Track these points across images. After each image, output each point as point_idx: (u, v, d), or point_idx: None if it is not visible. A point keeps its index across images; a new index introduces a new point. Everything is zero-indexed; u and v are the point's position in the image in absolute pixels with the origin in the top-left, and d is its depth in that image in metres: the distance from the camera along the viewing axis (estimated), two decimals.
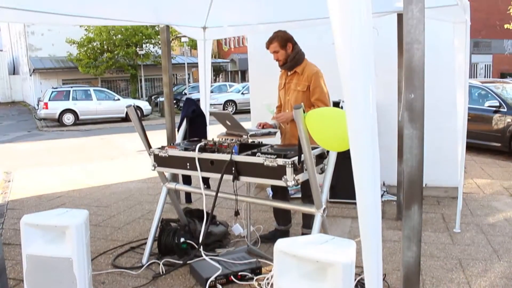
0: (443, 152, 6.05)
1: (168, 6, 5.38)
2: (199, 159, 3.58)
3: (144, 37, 28.47)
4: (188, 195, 6.21)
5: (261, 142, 3.78)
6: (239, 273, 3.74)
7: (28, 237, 3.32)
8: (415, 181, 2.24)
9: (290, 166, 3.08)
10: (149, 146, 4.02)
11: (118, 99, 21.85)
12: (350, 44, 1.58)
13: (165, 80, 5.92)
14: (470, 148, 10.04)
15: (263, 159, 3.20)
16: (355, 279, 3.01)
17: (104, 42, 28.59)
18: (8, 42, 46.70)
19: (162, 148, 3.96)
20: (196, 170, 3.59)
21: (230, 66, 43.79)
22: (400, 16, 5.02)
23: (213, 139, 3.89)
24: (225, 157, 3.41)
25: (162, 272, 4.00)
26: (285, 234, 4.62)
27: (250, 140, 3.82)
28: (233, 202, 3.68)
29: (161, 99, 25.07)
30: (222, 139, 3.88)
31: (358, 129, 1.61)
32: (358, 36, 1.57)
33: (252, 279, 3.76)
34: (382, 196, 6.15)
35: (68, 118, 20.64)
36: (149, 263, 4.19)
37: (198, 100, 6.26)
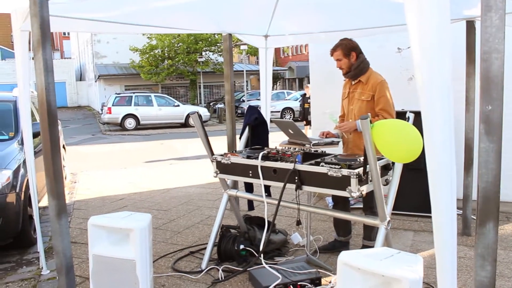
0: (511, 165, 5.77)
1: (231, 15, 5.45)
2: (261, 167, 3.58)
3: (205, 44, 29.01)
4: (250, 203, 6.24)
5: (324, 152, 3.74)
6: (299, 283, 3.70)
7: (95, 238, 3.44)
8: (491, 197, 2.13)
9: (355, 177, 3.03)
10: (212, 153, 4.06)
11: (178, 105, 22.37)
12: (428, 51, 1.52)
13: (227, 88, 5.98)
14: None
15: (327, 169, 3.17)
16: None
17: (166, 49, 29.40)
18: (76, 50, 49.24)
19: (225, 155, 4.00)
20: (258, 178, 3.60)
21: (288, 74, 43.83)
22: (469, 24, 4.85)
23: (276, 148, 3.89)
24: (289, 166, 3.40)
25: (221, 278, 4.02)
26: (345, 245, 4.55)
27: (313, 149, 3.79)
28: (292, 210, 3.67)
29: (219, 105, 25.47)
30: (284, 147, 3.88)
31: (437, 140, 1.55)
32: (436, 44, 1.51)
33: None
34: None
35: (130, 123, 21.32)
36: (208, 268, 4.23)
37: (258, 107, 6.30)
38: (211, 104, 29.52)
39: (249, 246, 4.27)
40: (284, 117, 23.54)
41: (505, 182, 5.68)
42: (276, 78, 42.41)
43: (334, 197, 4.53)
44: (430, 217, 5.49)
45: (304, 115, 13.97)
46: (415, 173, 5.80)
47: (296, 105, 24.61)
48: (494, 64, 2.06)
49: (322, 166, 3.23)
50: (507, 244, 4.92)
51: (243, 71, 28.79)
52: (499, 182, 2.13)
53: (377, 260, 2.56)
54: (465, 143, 4.98)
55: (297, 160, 3.38)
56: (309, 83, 8.82)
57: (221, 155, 3.98)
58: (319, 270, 3.97)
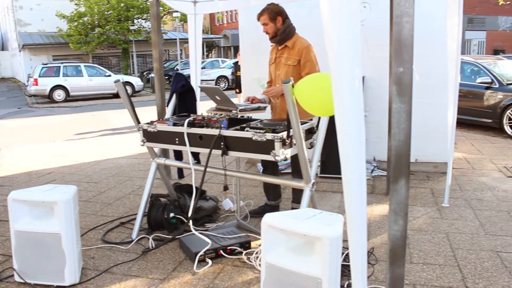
0: (434, 127, 6.07)
1: None
2: (188, 134, 3.56)
3: (137, 12, 28.00)
4: (180, 171, 6.21)
5: (251, 117, 3.75)
6: (228, 247, 3.76)
7: (16, 213, 3.31)
8: (402, 155, 2.22)
9: (278, 140, 3.07)
10: (138, 122, 3.98)
11: (109, 75, 21.63)
12: (337, 17, 1.54)
13: (155, 55, 5.84)
14: (461, 124, 10.08)
15: (252, 133, 3.19)
16: (343, 253, 3.04)
17: (96, 17, 28.14)
18: None
19: (151, 123, 3.93)
20: (185, 145, 3.57)
21: (223, 42, 43.38)
22: None
23: (202, 114, 3.87)
24: (214, 132, 3.39)
25: (152, 247, 4.01)
26: (275, 209, 4.64)
27: (239, 115, 3.79)
28: (223, 177, 3.68)
29: (152, 75, 24.84)
30: (211, 114, 3.86)
31: (344, 101, 1.58)
32: (345, 9, 1.53)
33: (241, 253, 3.78)
34: (372, 171, 6.18)
35: (59, 95, 20.43)
36: (138, 238, 4.20)
37: (189, 76, 6.21)
38: (144, 73, 28.74)
39: (180, 214, 4.26)
40: (219, 85, 23.37)
41: (427, 144, 6.07)
42: (211, 46, 41.89)
43: (263, 162, 4.59)
44: None
45: (237, 83, 13.83)
46: None
47: (230, 73, 24.49)
48: (405, 28, 2.12)
49: (247, 131, 3.25)
50: (426, 201, 5.21)
51: (176, 39, 28.15)
52: (409, 141, 2.22)
53: (300, 221, 2.63)
54: (389, 107, 5.16)
55: (222, 126, 3.38)
56: None
57: (147, 123, 3.91)
58: (249, 234, 4.04)
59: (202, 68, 26.91)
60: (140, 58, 33.05)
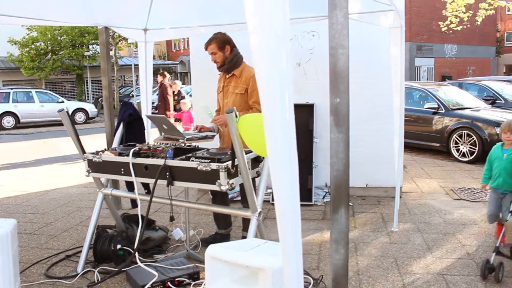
0: (383, 153, 6.20)
1: (106, 7, 5.24)
2: (133, 164, 3.49)
3: (92, 37, 27.64)
4: (133, 201, 6.07)
5: (197, 146, 3.73)
6: (176, 279, 3.68)
7: None
8: (341, 184, 2.25)
9: (223, 170, 3.05)
10: (83, 151, 3.89)
11: (62, 101, 21.15)
12: (266, 49, 1.56)
13: (104, 83, 5.77)
14: (412, 148, 10.37)
15: (197, 163, 3.16)
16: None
17: (49, 43, 27.60)
18: None
19: (96, 153, 3.85)
20: (130, 175, 3.50)
21: (180, 68, 43.34)
22: None
23: (147, 144, 3.82)
24: (159, 161, 3.35)
25: (98, 280, 3.88)
26: (226, 237, 4.59)
27: (187, 144, 3.76)
28: (175, 206, 3.62)
29: None
30: (157, 143, 3.81)
31: (275, 134, 1.59)
32: (274, 42, 1.55)
33: (189, 284, 3.71)
34: (324, 197, 6.23)
35: (8, 121, 19.79)
36: (84, 271, 4.06)
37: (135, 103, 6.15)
38: (99, 100, 28.26)
39: (127, 245, 4.15)
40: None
41: (378, 169, 6.18)
42: (168, 72, 41.72)
43: (212, 191, 4.55)
44: (307, 205, 5.69)
45: (163, 106, 12.88)
46: (299, 164, 6.02)
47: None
48: (340, 60, 2.18)
49: (192, 161, 3.22)
50: (376, 226, 5.28)
51: (131, 65, 27.88)
52: (348, 170, 2.25)
53: (243, 252, 2.61)
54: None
55: (167, 155, 3.34)
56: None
57: (92, 153, 3.82)
58: (198, 264, 3.97)
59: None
60: (95, 84, 32.52)
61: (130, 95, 26.05)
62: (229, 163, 3.09)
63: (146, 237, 4.42)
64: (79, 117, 21.45)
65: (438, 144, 9.93)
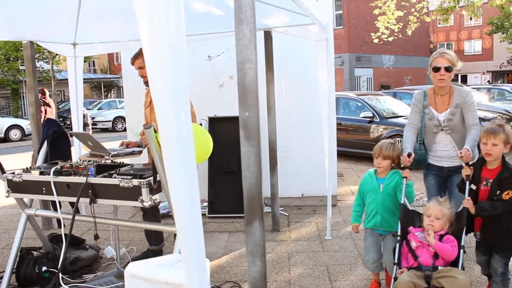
0: (317, 162, 6.31)
1: (30, 21, 5.09)
2: (55, 183, 3.40)
3: None
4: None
5: (122, 162, 3.68)
6: None
7: None
8: (254, 197, 2.29)
9: (145, 186, 3.02)
10: (3, 171, 3.74)
11: None
12: (159, 67, 1.57)
13: (30, 100, 5.60)
14: (350, 156, 10.65)
15: (119, 180, 3.12)
16: None
17: None
18: None
19: (16, 172, 3.71)
20: (52, 194, 3.40)
21: (122, 82, 42.58)
22: (266, 33, 5.19)
23: (69, 162, 3.73)
24: (81, 179, 3.27)
25: None
26: (158, 254, 4.52)
27: (112, 161, 3.70)
28: (107, 225, 3.55)
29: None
30: (81, 160, 3.73)
31: (171, 151, 1.60)
32: (168, 59, 1.56)
33: None
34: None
35: None
36: None
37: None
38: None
39: (54, 267, 4.01)
40: (116, 126, 22.82)
41: (313, 178, 6.29)
42: (110, 86, 40.94)
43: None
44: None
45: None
46: (230, 176, 6.06)
47: None
48: (248, 74, 2.22)
49: (114, 177, 3.17)
50: (310, 235, 5.37)
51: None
52: (260, 183, 2.29)
53: (163, 268, 2.58)
54: (269, 145, 5.32)
55: (89, 173, 3.27)
56: None
57: (12, 173, 3.69)
58: None
59: (99, 109, 26.20)
60: None
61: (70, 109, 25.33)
62: (151, 178, 3.07)
63: (75, 257, 4.30)
64: (14, 134, 20.65)
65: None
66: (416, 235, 3.32)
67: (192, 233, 1.69)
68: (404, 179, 3.54)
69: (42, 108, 11.79)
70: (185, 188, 1.62)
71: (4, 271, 4.39)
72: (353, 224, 3.87)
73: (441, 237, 3.23)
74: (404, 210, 3.49)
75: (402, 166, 3.63)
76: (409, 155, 3.60)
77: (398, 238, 3.41)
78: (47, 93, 12.14)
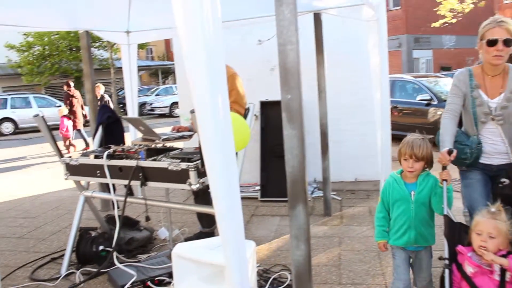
0: (371, 146, 6.18)
1: (85, 11, 5.25)
2: (108, 166, 3.52)
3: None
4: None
5: (172, 147, 3.76)
6: (157, 278, 3.71)
7: None
8: (298, 180, 2.27)
9: (193, 169, 3.08)
10: (61, 155, 3.92)
11: (60, 106, 21.20)
12: (196, 52, 1.58)
13: (87, 87, 5.80)
14: None
15: (168, 163, 3.19)
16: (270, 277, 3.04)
17: (46, 47, 27.64)
18: None
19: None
20: (106, 177, 3.54)
21: (175, 68, 43.22)
22: (316, 16, 5.10)
23: (122, 146, 3.85)
24: (132, 163, 3.38)
25: (80, 280, 3.92)
26: (210, 235, 4.58)
27: (163, 144, 3.79)
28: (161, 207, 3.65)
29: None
30: (132, 145, 3.85)
31: (208, 135, 1.61)
32: (203, 44, 1.57)
33: (169, 283, 3.73)
34: (312, 192, 6.25)
35: (7, 127, 19.91)
36: (67, 273, 4.09)
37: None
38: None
39: (110, 246, 4.18)
40: (173, 111, 23.30)
41: (366, 163, 6.18)
42: (167, 72, 41.67)
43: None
44: None
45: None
46: (281, 160, 6.02)
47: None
48: (289, 56, 2.19)
49: (163, 161, 3.25)
50: (362, 220, 5.29)
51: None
52: (304, 166, 2.27)
53: (208, 250, 2.63)
54: (320, 129, 5.26)
55: (140, 156, 3.37)
56: None
57: (70, 157, 3.86)
58: None
59: (156, 95, 26.82)
60: None
61: None
62: (199, 162, 3.12)
63: (130, 237, 4.45)
64: (6, 127, 21.04)
65: (431, 136, 9.89)
66: (470, 257, 2.53)
67: (229, 216, 1.70)
68: (444, 182, 2.75)
69: (68, 101, 12.75)
70: (222, 172, 1.63)
71: (65, 249, 4.67)
72: (379, 242, 3.04)
73: None
74: (450, 224, 2.72)
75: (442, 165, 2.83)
76: (449, 152, 2.83)
77: (447, 262, 2.63)
78: (72, 85, 12.88)
